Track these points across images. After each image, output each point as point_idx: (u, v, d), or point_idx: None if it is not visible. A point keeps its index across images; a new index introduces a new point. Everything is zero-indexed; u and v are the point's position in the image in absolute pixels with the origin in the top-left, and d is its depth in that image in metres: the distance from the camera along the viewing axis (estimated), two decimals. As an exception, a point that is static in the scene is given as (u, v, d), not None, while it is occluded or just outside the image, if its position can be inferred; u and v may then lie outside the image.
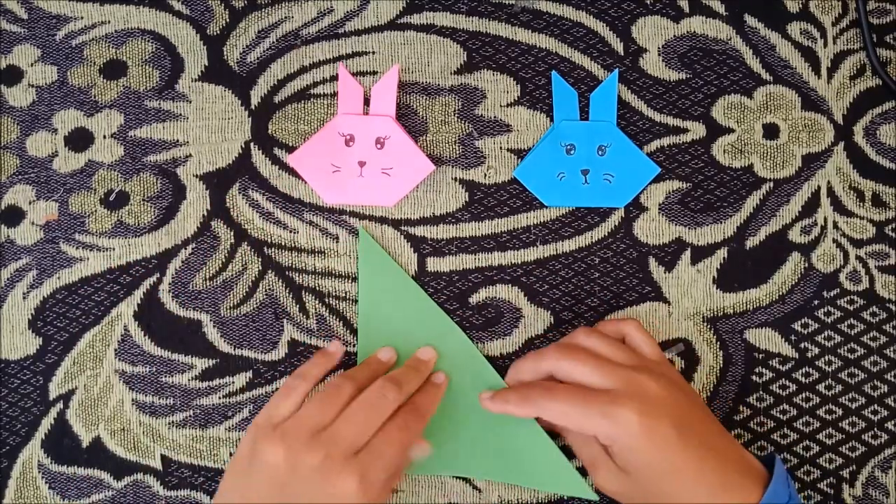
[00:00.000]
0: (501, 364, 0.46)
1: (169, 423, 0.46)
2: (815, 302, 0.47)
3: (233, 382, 0.46)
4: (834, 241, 0.47)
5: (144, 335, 0.46)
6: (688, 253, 0.47)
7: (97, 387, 0.46)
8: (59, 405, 0.46)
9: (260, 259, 0.46)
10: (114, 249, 0.46)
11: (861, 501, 0.46)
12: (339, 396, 0.40)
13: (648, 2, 0.48)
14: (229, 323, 0.46)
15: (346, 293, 0.46)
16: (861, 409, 0.46)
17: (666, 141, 0.47)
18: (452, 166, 0.47)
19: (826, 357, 0.46)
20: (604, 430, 0.38)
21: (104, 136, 0.47)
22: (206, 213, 0.46)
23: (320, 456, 0.38)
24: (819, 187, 0.47)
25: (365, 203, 0.46)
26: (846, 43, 0.48)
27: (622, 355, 0.41)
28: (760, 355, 0.46)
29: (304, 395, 0.41)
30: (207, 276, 0.46)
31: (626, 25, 0.47)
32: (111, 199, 0.47)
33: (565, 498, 0.45)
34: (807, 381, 0.46)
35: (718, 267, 0.47)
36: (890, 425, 0.46)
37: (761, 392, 0.46)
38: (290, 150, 0.47)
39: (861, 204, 0.47)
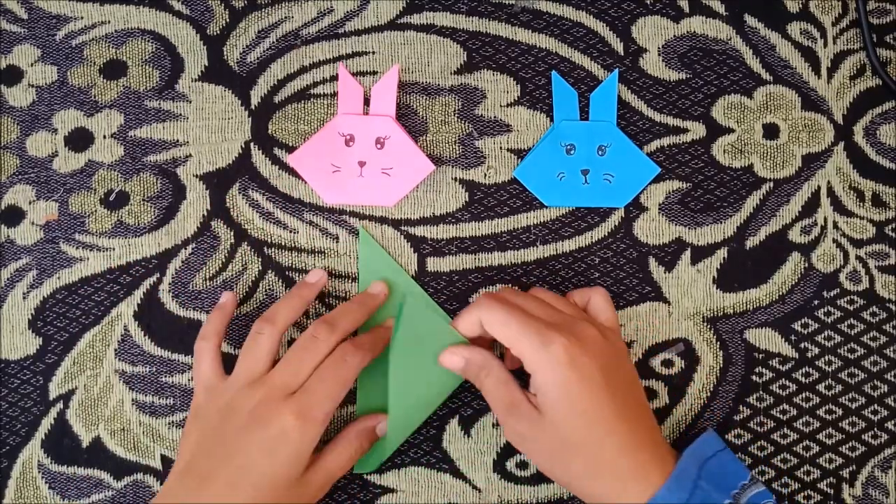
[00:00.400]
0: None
1: (169, 423, 0.46)
2: (815, 302, 0.47)
3: (233, 382, 0.46)
4: (834, 241, 0.47)
5: (144, 335, 0.46)
6: (688, 253, 0.47)
7: (97, 387, 0.46)
8: (59, 405, 0.46)
9: (260, 259, 0.46)
10: (114, 249, 0.46)
11: (861, 501, 0.46)
12: (265, 346, 0.41)
13: (648, 2, 0.48)
14: (229, 323, 0.46)
15: (346, 293, 0.46)
16: (861, 409, 0.46)
17: (666, 141, 0.47)
18: (452, 166, 0.47)
19: (826, 357, 0.46)
20: (533, 349, 0.38)
21: (104, 136, 0.47)
22: (206, 213, 0.46)
23: (255, 400, 0.39)
24: (819, 187, 0.47)
25: (365, 203, 0.46)
26: (846, 43, 0.48)
27: (570, 308, 0.41)
28: (760, 355, 0.46)
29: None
30: (207, 276, 0.46)
31: (626, 25, 0.47)
32: (111, 199, 0.47)
33: (565, 498, 0.45)
34: (807, 381, 0.46)
35: (718, 267, 0.47)
36: (890, 425, 0.46)
37: (761, 392, 0.46)
38: (290, 150, 0.47)
39: (861, 204, 0.47)
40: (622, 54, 0.47)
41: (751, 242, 0.47)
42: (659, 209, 0.47)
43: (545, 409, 0.38)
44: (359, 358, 0.41)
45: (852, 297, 0.47)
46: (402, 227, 0.47)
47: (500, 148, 0.47)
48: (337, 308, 0.43)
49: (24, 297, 0.46)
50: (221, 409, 0.40)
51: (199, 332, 0.43)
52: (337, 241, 0.46)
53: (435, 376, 0.42)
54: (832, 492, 0.46)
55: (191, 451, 0.40)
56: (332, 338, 0.41)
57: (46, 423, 0.45)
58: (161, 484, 0.45)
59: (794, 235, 0.47)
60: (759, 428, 0.46)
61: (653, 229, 0.47)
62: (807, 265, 0.47)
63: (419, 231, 0.47)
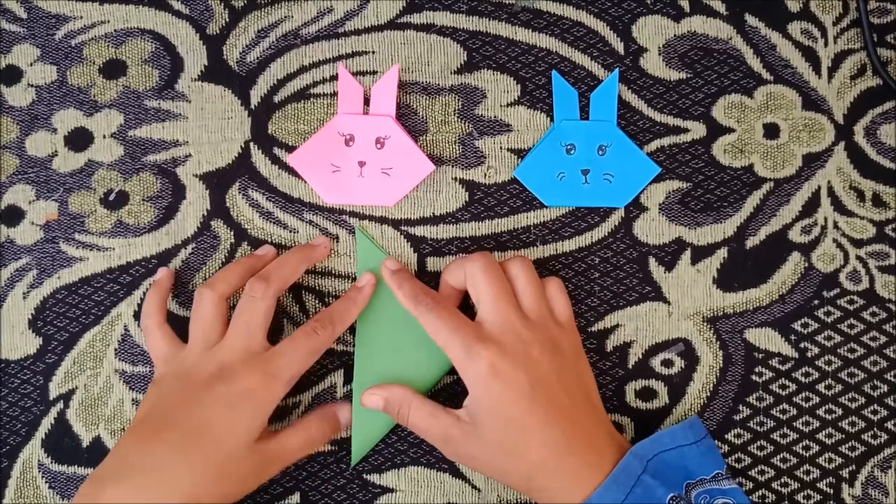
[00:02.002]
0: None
1: (169, 423, 0.46)
2: (815, 302, 0.47)
3: (233, 382, 0.46)
4: (834, 240, 0.47)
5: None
6: (688, 253, 0.47)
7: (97, 387, 0.46)
8: (60, 405, 0.46)
9: (260, 259, 0.46)
10: (114, 249, 0.46)
11: (861, 501, 0.46)
12: (210, 312, 0.42)
13: (649, 1, 0.48)
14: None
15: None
16: (861, 408, 0.46)
17: (666, 141, 0.47)
18: (452, 166, 0.47)
19: (826, 357, 0.46)
20: (459, 357, 0.39)
21: (104, 136, 0.47)
22: (206, 213, 0.46)
23: (216, 362, 0.40)
24: (819, 187, 0.47)
25: (365, 203, 0.46)
26: (847, 42, 0.48)
27: (536, 309, 0.41)
28: (760, 355, 0.46)
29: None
30: (207, 276, 0.46)
31: (626, 25, 0.47)
32: (111, 198, 0.47)
33: None
34: (807, 380, 0.46)
35: (718, 267, 0.47)
36: (890, 425, 0.46)
37: (761, 392, 0.46)
38: (290, 149, 0.47)
39: (861, 204, 0.47)
40: (622, 54, 0.47)
41: (751, 242, 0.47)
42: (659, 209, 0.47)
43: (476, 417, 0.39)
44: (329, 330, 0.42)
45: (852, 297, 0.47)
46: (402, 227, 0.47)
47: (500, 148, 0.47)
48: (272, 262, 0.44)
49: (24, 297, 0.46)
50: (182, 372, 0.40)
51: (142, 311, 0.44)
52: (337, 242, 0.46)
53: (404, 363, 0.44)
54: (832, 491, 0.46)
55: (147, 409, 0.40)
56: (268, 291, 0.42)
57: (46, 423, 0.45)
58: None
59: (794, 235, 0.47)
60: (759, 428, 0.46)
61: (653, 229, 0.47)
62: (807, 265, 0.47)
63: (419, 231, 0.47)
